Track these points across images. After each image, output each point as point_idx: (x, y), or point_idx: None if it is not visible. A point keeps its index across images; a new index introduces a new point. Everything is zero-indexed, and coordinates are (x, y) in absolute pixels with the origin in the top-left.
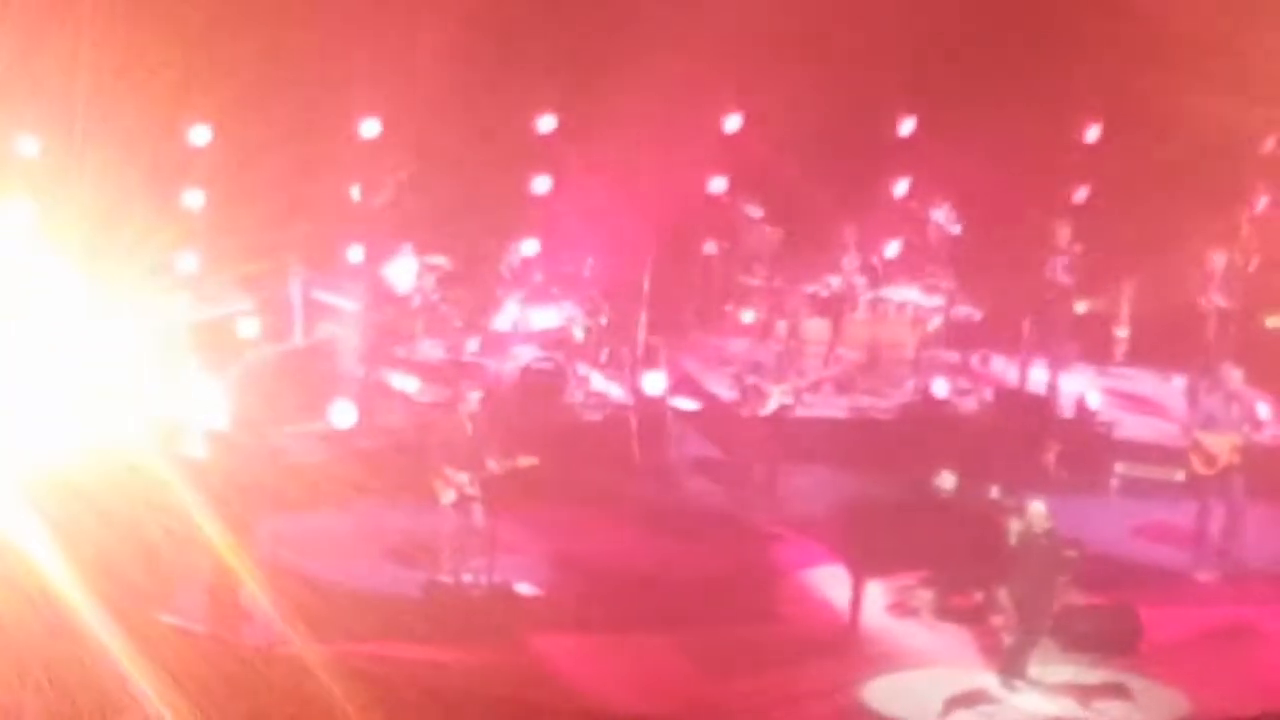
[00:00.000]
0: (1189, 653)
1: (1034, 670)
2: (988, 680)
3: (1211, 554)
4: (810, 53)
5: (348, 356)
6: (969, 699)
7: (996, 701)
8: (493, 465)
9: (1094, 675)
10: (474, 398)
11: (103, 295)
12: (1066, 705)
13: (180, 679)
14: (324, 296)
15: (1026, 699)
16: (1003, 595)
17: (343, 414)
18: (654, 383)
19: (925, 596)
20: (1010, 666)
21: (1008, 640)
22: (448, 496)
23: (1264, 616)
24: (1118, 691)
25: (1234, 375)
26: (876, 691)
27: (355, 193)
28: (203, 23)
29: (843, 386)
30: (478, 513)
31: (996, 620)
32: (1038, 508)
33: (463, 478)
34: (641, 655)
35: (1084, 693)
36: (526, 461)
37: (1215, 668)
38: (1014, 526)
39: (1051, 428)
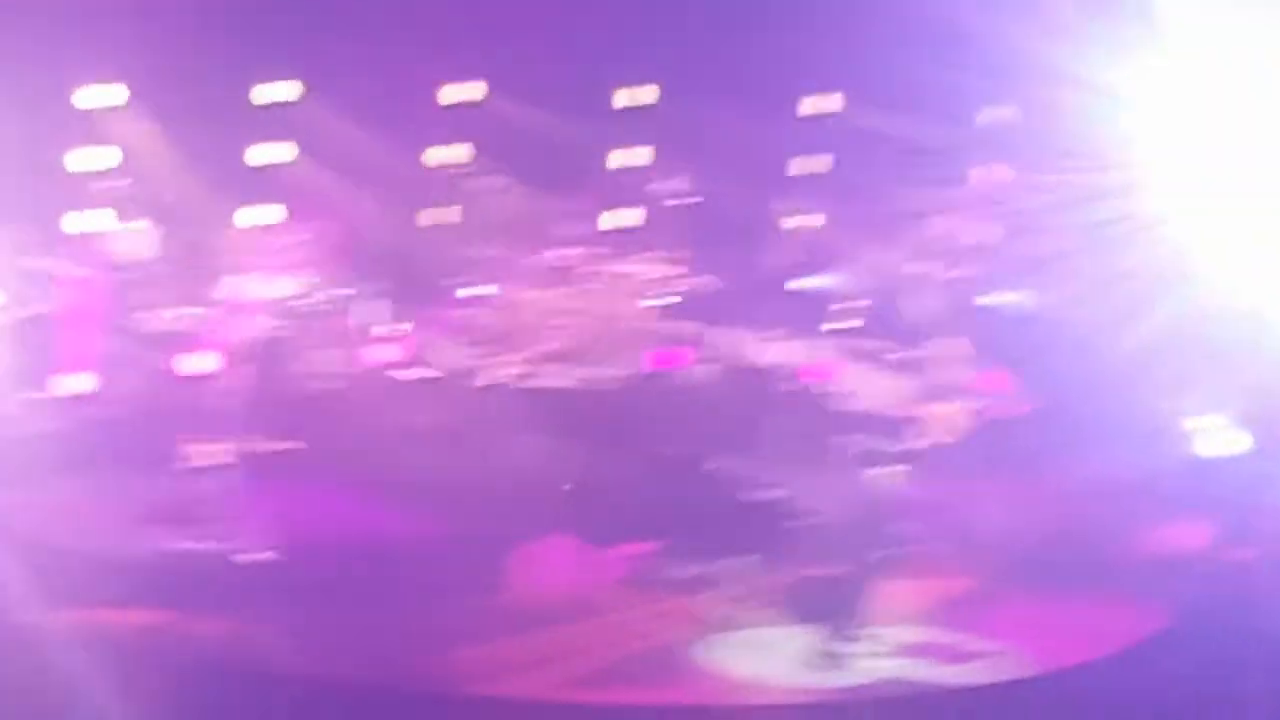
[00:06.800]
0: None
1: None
2: (716, 650)
3: (942, 525)
4: (550, 20)
5: (79, 323)
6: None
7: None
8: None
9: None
10: (209, 367)
11: None
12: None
13: None
14: (52, 263)
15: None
16: (733, 566)
17: (75, 381)
18: (384, 352)
19: (655, 567)
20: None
21: (736, 612)
22: (187, 465)
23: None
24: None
25: (963, 345)
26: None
27: (79, 160)
28: None
29: (574, 356)
30: (215, 481)
31: (728, 591)
32: (791, 478)
33: (206, 448)
34: (369, 624)
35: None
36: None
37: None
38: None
39: (783, 398)
